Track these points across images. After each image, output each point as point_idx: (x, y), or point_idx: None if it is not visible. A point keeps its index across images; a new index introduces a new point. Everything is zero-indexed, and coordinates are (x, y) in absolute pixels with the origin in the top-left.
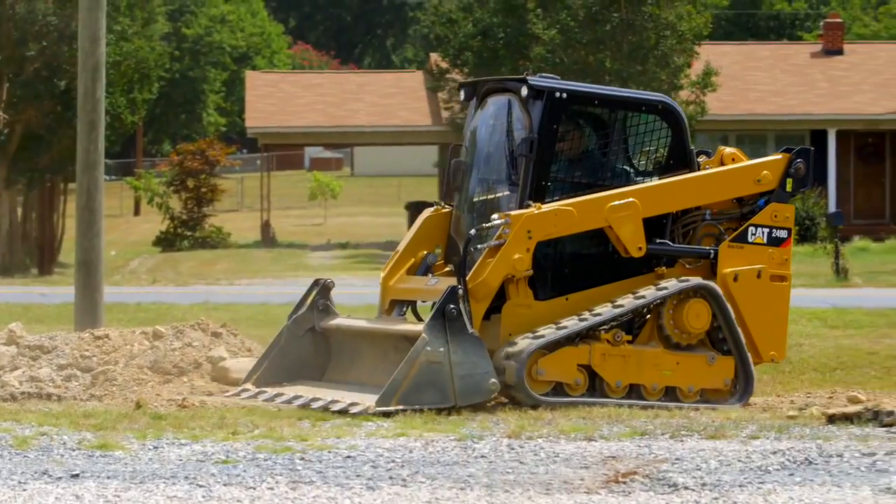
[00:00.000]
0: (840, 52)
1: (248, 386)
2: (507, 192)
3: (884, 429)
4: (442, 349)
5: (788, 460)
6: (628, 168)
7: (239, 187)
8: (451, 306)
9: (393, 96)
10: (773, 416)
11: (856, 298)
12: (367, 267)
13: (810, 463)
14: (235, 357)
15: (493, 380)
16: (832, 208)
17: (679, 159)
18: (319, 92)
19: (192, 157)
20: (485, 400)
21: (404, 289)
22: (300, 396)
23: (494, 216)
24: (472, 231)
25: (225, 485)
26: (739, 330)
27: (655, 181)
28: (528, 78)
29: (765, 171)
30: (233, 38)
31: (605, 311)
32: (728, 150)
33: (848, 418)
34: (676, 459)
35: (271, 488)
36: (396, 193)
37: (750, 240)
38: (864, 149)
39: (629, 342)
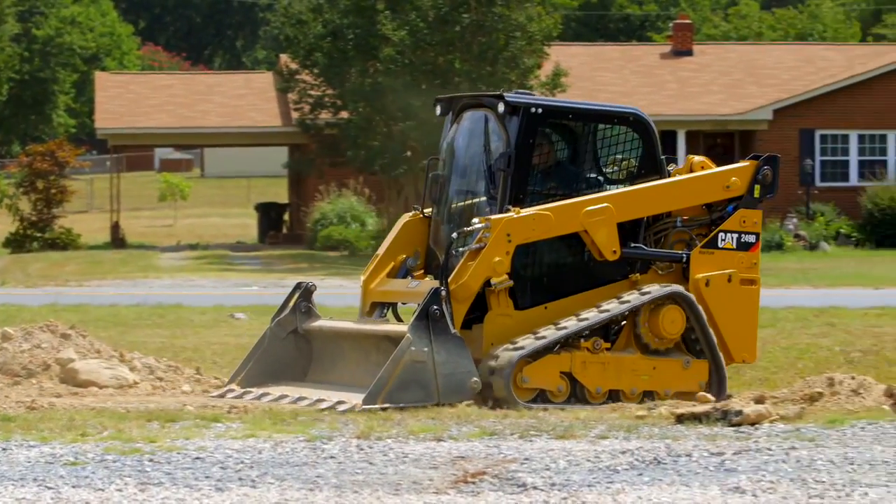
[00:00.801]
0: (689, 52)
1: (233, 386)
2: (485, 205)
3: (732, 428)
4: (426, 349)
5: (637, 460)
6: (602, 178)
7: (89, 189)
8: (435, 307)
9: (243, 97)
10: (622, 416)
11: None
12: (217, 268)
13: (659, 462)
14: (85, 359)
15: (475, 378)
16: None
17: (650, 168)
18: (169, 93)
19: (41, 158)
20: (467, 398)
21: (385, 291)
22: (286, 395)
23: (475, 220)
24: (454, 234)
25: (74, 486)
26: (713, 334)
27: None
28: (504, 94)
29: (734, 178)
30: (83, 40)
31: (591, 316)
32: (697, 158)
33: (696, 418)
34: (525, 459)
35: (120, 490)
36: (246, 194)
37: (720, 245)
38: (713, 149)
39: (607, 349)
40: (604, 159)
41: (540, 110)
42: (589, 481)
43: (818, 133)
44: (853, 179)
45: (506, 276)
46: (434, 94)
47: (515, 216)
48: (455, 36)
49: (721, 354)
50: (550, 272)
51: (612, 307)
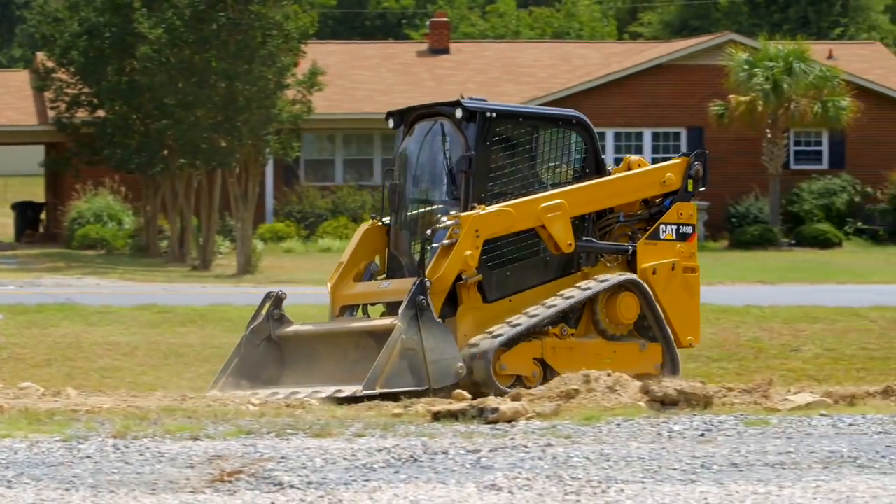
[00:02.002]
0: (446, 51)
1: (215, 392)
2: (448, 206)
3: (489, 426)
4: (415, 336)
5: (394, 458)
6: (550, 177)
7: None
8: (422, 297)
9: None
10: (379, 414)
11: None
12: None
13: (415, 460)
14: None
15: (460, 364)
16: None
17: (593, 167)
18: None
19: None
20: (454, 384)
21: (355, 294)
22: (277, 393)
23: (444, 218)
24: (428, 231)
25: None
26: (663, 318)
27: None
28: (461, 101)
29: (669, 174)
30: None
31: (558, 303)
32: (634, 157)
33: (453, 415)
34: (282, 458)
35: None
36: (2, 194)
37: (662, 236)
38: None
39: (573, 335)
40: (552, 160)
41: (494, 114)
42: (346, 479)
43: None
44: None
45: (475, 271)
46: (191, 92)
47: (482, 212)
48: (211, 34)
49: (672, 337)
50: (513, 267)
51: (576, 294)
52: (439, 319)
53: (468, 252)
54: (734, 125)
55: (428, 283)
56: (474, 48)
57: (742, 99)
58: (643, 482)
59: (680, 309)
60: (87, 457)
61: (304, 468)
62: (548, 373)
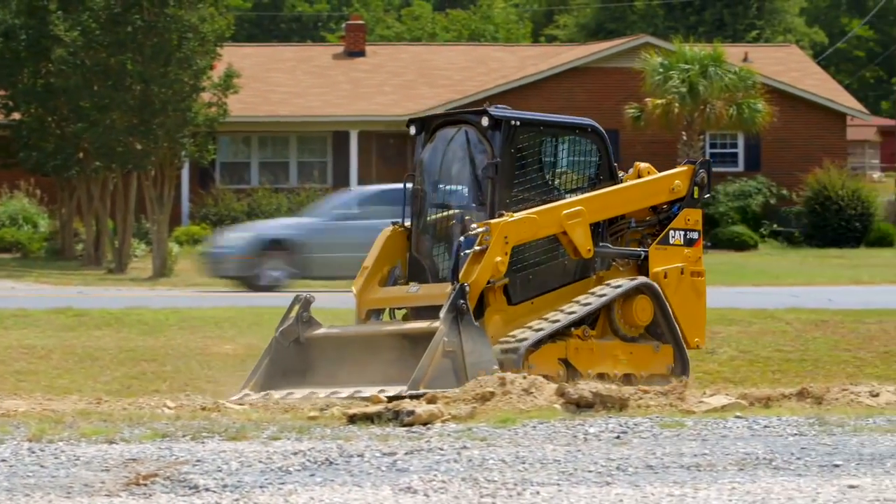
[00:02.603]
0: (362, 53)
1: (248, 391)
2: (471, 212)
3: (404, 428)
4: (456, 339)
5: (309, 461)
6: (568, 184)
7: None
8: (462, 301)
9: None
10: (295, 417)
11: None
12: None
13: (331, 463)
14: None
15: (496, 367)
16: None
17: (606, 174)
18: None
19: None
20: None
21: (381, 298)
22: (315, 392)
23: (474, 225)
24: (462, 238)
25: None
26: (675, 321)
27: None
28: (487, 109)
29: (677, 181)
30: None
31: (577, 309)
32: (643, 164)
33: (369, 418)
34: (197, 461)
35: None
36: None
37: (671, 242)
38: (386, 149)
39: (593, 336)
40: (570, 167)
41: (518, 122)
42: (261, 482)
43: None
44: None
45: (503, 276)
46: (106, 95)
47: (510, 219)
48: (127, 37)
49: (682, 339)
50: (535, 271)
51: (593, 300)
52: (477, 323)
53: (498, 258)
54: (650, 128)
55: (467, 288)
56: (390, 51)
57: (658, 102)
58: (559, 484)
59: (688, 311)
60: (2, 460)
61: (220, 471)
62: (574, 373)
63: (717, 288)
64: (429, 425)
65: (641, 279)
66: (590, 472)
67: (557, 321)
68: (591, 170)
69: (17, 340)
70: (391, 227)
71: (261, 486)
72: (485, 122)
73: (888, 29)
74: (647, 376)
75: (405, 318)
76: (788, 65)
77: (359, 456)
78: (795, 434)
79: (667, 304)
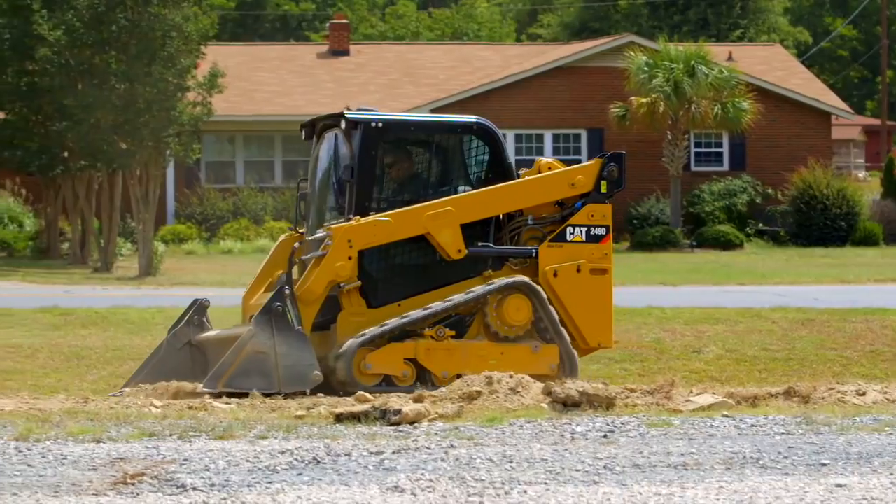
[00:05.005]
0: (346, 52)
1: (127, 389)
2: (335, 216)
3: (391, 427)
4: (268, 341)
5: (297, 460)
6: (450, 185)
7: None
8: (278, 304)
9: None
10: (282, 416)
11: None
12: None
13: (318, 462)
14: None
15: (317, 372)
16: None
17: (498, 173)
18: None
19: None
20: (308, 389)
21: (259, 304)
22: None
23: (319, 230)
24: (296, 244)
25: None
26: (558, 319)
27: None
28: (344, 112)
29: (579, 176)
30: None
31: (434, 305)
32: (545, 160)
33: (356, 417)
34: (185, 460)
35: None
36: None
37: (569, 238)
38: None
39: (453, 337)
40: (451, 167)
41: (380, 124)
42: (248, 481)
43: None
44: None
45: (356, 278)
46: (90, 94)
47: (355, 223)
48: (111, 36)
49: (568, 339)
50: (403, 272)
51: (458, 298)
52: (299, 327)
53: (339, 263)
54: (635, 127)
55: (286, 291)
56: (374, 50)
57: (643, 100)
58: (546, 483)
59: (587, 311)
60: None
61: (207, 470)
62: (425, 374)
63: (702, 287)
64: (416, 424)
65: (515, 277)
66: (577, 471)
67: (407, 317)
68: (479, 169)
69: (3, 339)
70: (288, 233)
71: (248, 486)
72: (343, 124)
73: (871, 28)
74: (531, 377)
75: None
76: (773, 64)
77: (346, 455)
78: (783, 433)
79: (547, 302)
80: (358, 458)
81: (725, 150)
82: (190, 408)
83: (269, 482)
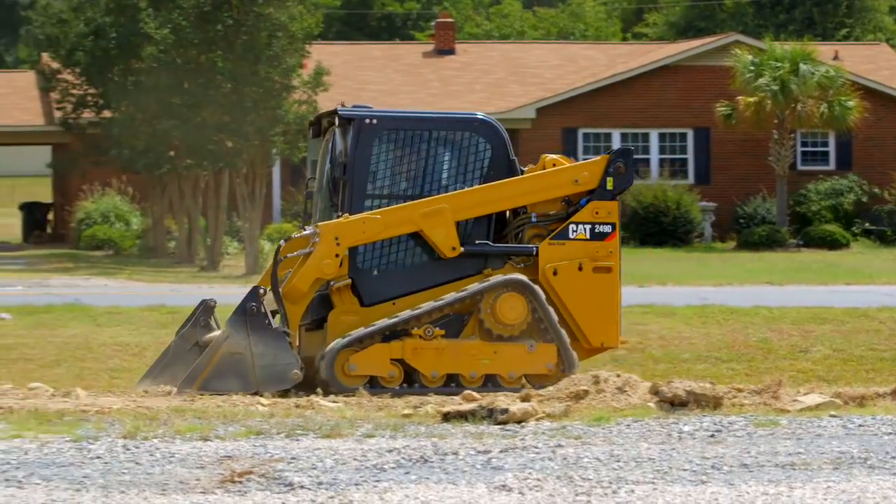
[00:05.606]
0: (452, 51)
1: (142, 389)
2: (329, 212)
3: (498, 426)
4: (243, 341)
5: (404, 458)
6: (449, 182)
7: None
8: (252, 304)
9: (5, 96)
10: (389, 415)
11: None
12: None
13: (426, 461)
14: None
15: (296, 371)
16: None
17: (499, 169)
18: None
19: None
20: (288, 388)
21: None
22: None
23: (307, 228)
24: (282, 241)
25: None
26: (556, 318)
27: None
28: (337, 109)
29: (584, 172)
30: None
31: (425, 305)
32: (550, 156)
33: (463, 416)
34: (292, 458)
35: None
36: (10, 194)
37: (571, 236)
38: None
39: (443, 336)
40: (450, 164)
41: (375, 121)
42: (356, 480)
43: (581, 132)
44: None
45: (346, 276)
46: (197, 93)
47: (343, 221)
48: (217, 35)
49: (567, 339)
50: (398, 270)
51: (448, 297)
52: (277, 325)
53: (325, 261)
54: (741, 126)
55: (261, 290)
56: (480, 49)
57: (749, 100)
58: (654, 483)
59: (589, 309)
60: (98, 457)
61: (315, 469)
62: (415, 375)
63: (809, 286)
64: (523, 423)
65: (510, 276)
66: (685, 470)
67: (396, 317)
68: (480, 166)
69: (111, 338)
70: (297, 234)
71: (356, 484)
72: (337, 121)
73: None
74: (519, 377)
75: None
76: (879, 63)
77: (453, 454)
78: (890, 433)
79: (543, 300)
80: (465, 457)
81: (832, 149)
82: (297, 406)
83: (377, 481)
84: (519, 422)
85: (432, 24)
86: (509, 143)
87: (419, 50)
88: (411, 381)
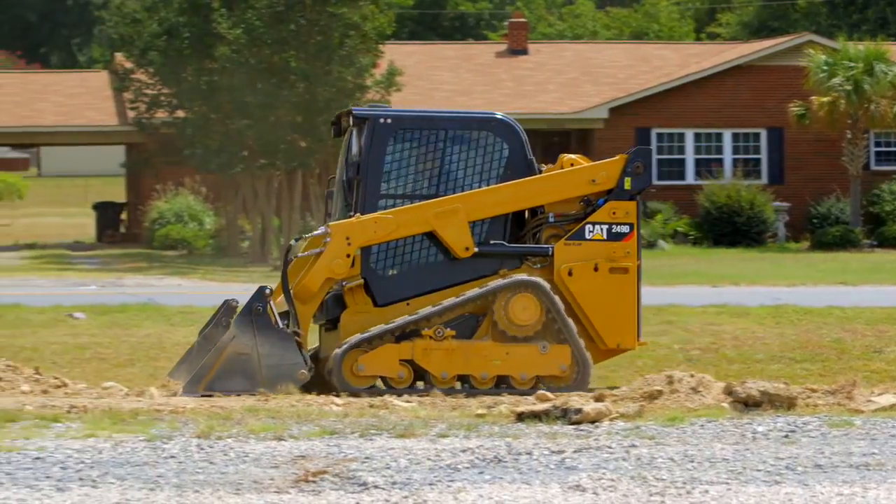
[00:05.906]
0: (525, 51)
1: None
2: (343, 212)
3: (572, 426)
4: (250, 342)
5: (478, 458)
6: (465, 181)
7: None
8: (258, 304)
9: (79, 96)
10: (463, 415)
11: None
12: (55, 267)
13: (500, 461)
14: None
15: (303, 370)
16: None
17: (516, 168)
18: (4, 91)
19: None
20: (295, 387)
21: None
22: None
23: (319, 228)
24: (292, 241)
25: None
26: (569, 320)
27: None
28: (352, 109)
29: (602, 172)
30: None
31: (434, 308)
32: (568, 156)
33: (537, 416)
34: (366, 458)
35: None
36: (84, 194)
37: (588, 237)
38: (550, 147)
39: (456, 336)
40: (466, 163)
41: (389, 120)
42: (430, 480)
43: (654, 131)
44: (689, 178)
45: (359, 276)
46: (270, 93)
47: (354, 221)
48: (290, 34)
49: (581, 340)
50: (411, 270)
51: (454, 299)
52: (283, 326)
53: (336, 260)
54: (814, 126)
55: (267, 290)
56: (553, 49)
57: (823, 100)
58: (728, 483)
59: (604, 310)
60: (172, 457)
61: (389, 468)
62: (425, 376)
63: (883, 287)
64: (597, 423)
65: (522, 276)
66: (759, 470)
67: (404, 319)
68: (497, 165)
69: (185, 337)
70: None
71: (430, 484)
72: (351, 121)
73: None
74: (531, 378)
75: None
76: None
77: (527, 454)
78: None
79: (557, 301)
80: (539, 457)
81: None
82: (371, 406)
83: (451, 480)
84: (592, 422)
85: (505, 23)
86: (527, 143)
87: (492, 50)
88: (421, 381)
